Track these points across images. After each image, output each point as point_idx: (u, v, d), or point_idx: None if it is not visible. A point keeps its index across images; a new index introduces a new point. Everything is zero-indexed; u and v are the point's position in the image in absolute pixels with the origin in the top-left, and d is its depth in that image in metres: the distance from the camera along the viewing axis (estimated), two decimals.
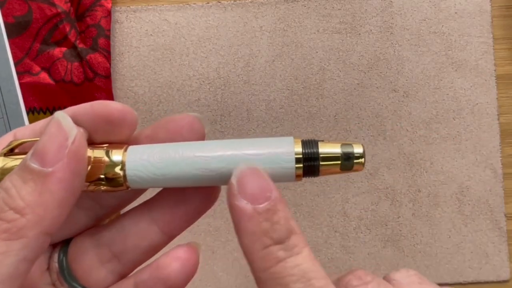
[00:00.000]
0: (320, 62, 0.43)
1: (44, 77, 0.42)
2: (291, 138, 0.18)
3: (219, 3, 0.43)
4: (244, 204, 0.16)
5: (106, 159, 0.18)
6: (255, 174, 0.17)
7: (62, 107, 0.43)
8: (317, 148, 0.17)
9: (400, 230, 0.43)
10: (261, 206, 0.16)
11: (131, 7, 0.43)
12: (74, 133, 0.16)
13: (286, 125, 0.43)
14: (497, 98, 0.43)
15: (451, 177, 0.43)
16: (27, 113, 0.42)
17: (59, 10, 0.42)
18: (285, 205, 0.17)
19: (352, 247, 0.43)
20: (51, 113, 0.43)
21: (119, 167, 0.18)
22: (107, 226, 0.20)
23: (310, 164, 0.17)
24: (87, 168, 0.17)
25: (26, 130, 0.19)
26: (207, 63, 0.43)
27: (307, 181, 0.43)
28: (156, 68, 0.43)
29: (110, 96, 0.42)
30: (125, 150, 0.18)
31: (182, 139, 0.18)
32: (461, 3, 0.43)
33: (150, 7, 0.43)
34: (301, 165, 0.17)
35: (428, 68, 0.43)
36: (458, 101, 0.43)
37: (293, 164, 0.17)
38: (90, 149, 0.18)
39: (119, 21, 0.43)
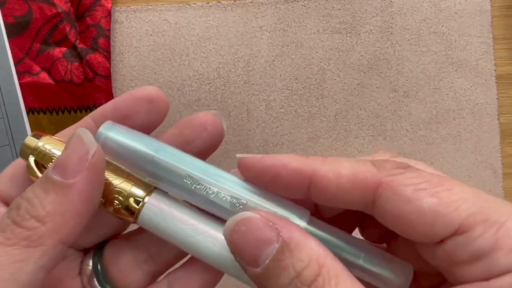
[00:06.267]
0: (320, 62, 0.43)
1: (44, 77, 0.42)
2: None
3: (219, 3, 0.43)
4: None
5: (132, 190, 0.19)
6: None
7: (62, 107, 0.43)
8: None
9: None
10: None
11: (131, 7, 0.43)
12: (95, 147, 0.17)
13: (286, 125, 0.43)
14: (497, 98, 0.43)
15: (451, 177, 0.43)
16: (27, 113, 0.42)
17: (59, 10, 0.42)
18: None
19: None
20: (51, 113, 0.43)
21: (139, 203, 0.19)
22: (143, 229, 0.21)
23: None
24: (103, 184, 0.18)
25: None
26: (207, 63, 0.43)
27: None
28: (156, 68, 0.43)
29: (110, 96, 0.42)
30: (153, 191, 0.19)
31: (207, 133, 0.20)
32: (461, 3, 0.43)
33: (150, 7, 0.43)
34: None
35: (428, 68, 0.43)
36: (458, 101, 0.43)
37: None
38: (123, 180, 0.19)
39: (119, 21, 0.43)
